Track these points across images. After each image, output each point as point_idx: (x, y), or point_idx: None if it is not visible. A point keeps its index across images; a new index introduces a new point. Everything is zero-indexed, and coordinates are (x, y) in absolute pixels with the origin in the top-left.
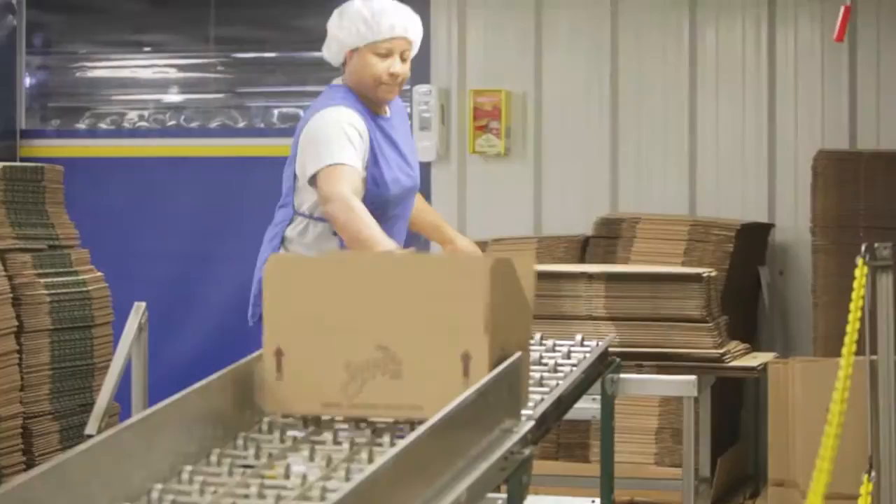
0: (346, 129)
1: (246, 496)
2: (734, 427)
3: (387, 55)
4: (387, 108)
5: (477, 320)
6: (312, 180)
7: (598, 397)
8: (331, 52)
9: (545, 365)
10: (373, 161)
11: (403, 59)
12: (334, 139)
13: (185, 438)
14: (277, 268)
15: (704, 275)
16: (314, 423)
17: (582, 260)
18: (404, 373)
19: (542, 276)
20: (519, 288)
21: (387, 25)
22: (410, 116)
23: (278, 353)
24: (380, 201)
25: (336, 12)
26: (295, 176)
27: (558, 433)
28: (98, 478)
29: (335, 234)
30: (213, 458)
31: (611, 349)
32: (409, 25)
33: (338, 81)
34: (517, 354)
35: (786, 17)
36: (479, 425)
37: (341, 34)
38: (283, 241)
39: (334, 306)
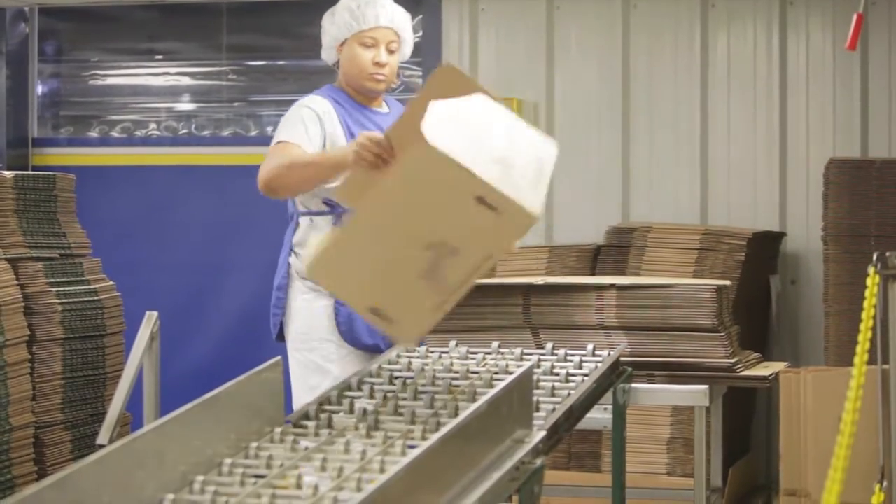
0: (302, 112)
1: None
2: (746, 437)
3: (372, 45)
4: (384, 104)
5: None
6: None
7: (610, 407)
8: (325, 50)
9: (557, 375)
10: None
11: (390, 52)
12: (288, 121)
13: (197, 448)
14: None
15: (716, 284)
16: (326, 426)
17: (593, 269)
18: None
19: (554, 287)
20: None
21: (372, 15)
22: None
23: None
24: None
25: (328, 11)
26: None
27: (570, 443)
28: (109, 488)
29: (335, 222)
30: (225, 469)
31: (622, 359)
32: (395, 17)
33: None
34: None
35: (797, 25)
36: (491, 436)
37: (331, 28)
38: (291, 250)
39: None
